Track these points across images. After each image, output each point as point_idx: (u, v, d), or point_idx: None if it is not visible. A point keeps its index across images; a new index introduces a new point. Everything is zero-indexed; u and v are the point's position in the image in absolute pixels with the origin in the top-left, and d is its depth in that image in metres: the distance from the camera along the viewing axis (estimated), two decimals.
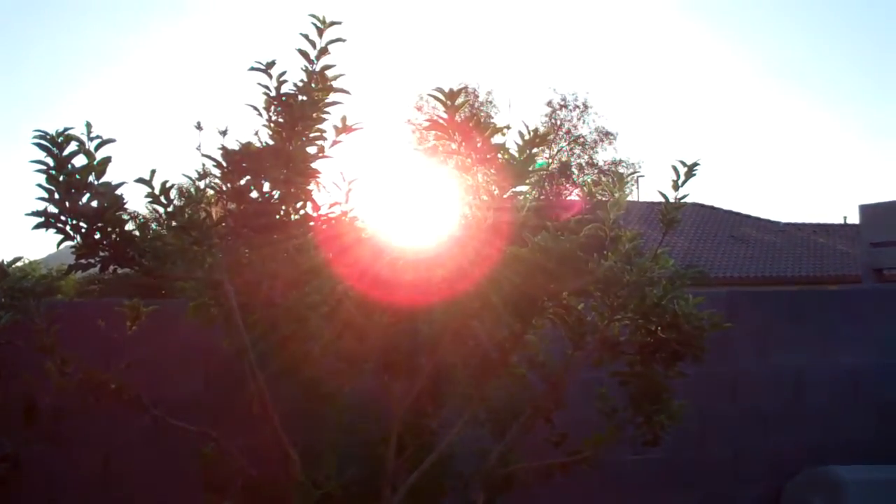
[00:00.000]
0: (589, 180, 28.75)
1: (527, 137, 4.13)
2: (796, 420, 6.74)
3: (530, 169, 4.23)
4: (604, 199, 4.64)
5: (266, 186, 4.07)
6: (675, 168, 4.54)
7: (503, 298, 4.12)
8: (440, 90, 4.06)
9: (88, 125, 3.87)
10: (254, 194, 4.06)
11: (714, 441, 6.49)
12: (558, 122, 32.19)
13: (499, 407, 4.61)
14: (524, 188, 4.36)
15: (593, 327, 4.53)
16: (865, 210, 16.05)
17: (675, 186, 4.56)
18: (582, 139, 32.16)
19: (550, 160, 31.72)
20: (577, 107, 32.31)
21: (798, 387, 6.80)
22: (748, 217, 34.45)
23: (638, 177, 32.53)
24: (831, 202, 68.58)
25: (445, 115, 4.11)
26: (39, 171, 3.85)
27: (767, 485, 6.60)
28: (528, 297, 4.23)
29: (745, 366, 6.62)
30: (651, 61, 56.45)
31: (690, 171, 4.53)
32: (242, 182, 4.06)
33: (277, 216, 4.10)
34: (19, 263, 4.56)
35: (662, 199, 4.68)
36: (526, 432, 4.59)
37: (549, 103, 32.32)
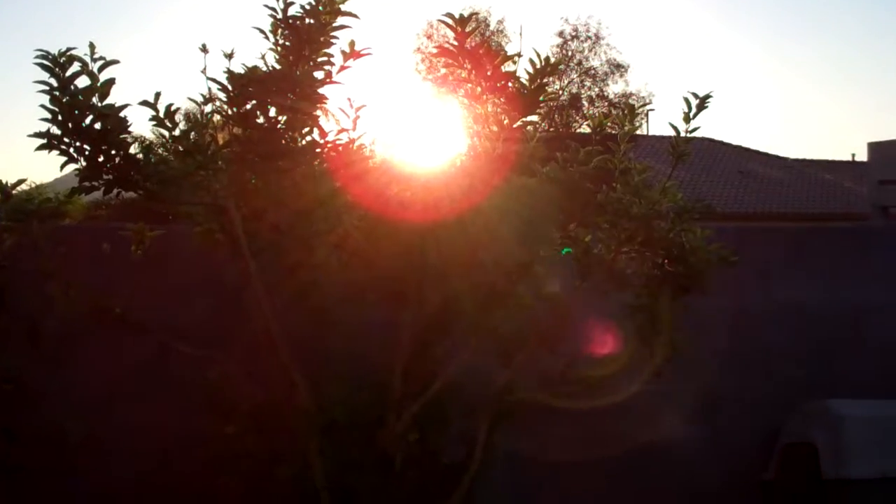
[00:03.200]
0: (599, 112, 28.53)
1: (538, 66, 4.06)
2: (799, 355, 6.73)
3: (541, 99, 4.18)
4: (613, 132, 4.58)
5: (272, 112, 4.02)
6: (686, 100, 4.48)
7: (510, 229, 4.09)
8: (450, 15, 3.99)
9: (92, 46, 3.83)
10: (260, 120, 4.01)
11: (717, 374, 6.50)
12: (569, 54, 31.82)
13: (505, 336, 4.61)
14: (534, 118, 4.32)
15: (600, 259, 4.51)
16: (874, 148, 15.95)
17: (687, 119, 4.50)
18: (593, 71, 31.83)
19: (561, 91, 31.40)
20: (589, 38, 31.93)
21: (801, 322, 6.77)
22: (757, 152, 34.23)
23: (648, 110, 32.24)
24: (840, 139, 68.04)
25: (455, 42, 4.04)
26: (42, 91, 3.81)
27: (770, 417, 6.62)
28: (535, 228, 4.20)
29: (749, 300, 6.59)
30: None
31: (703, 103, 4.47)
32: (248, 107, 4.02)
33: (283, 142, 4.06)
34: (24, 186, 4.53)
35: (673, 133, 4.62)
36: (532, 362, 4.60)
37: (561, 34, 31.94)
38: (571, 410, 4.74)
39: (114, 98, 3.84)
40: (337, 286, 4.20)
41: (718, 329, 6.45)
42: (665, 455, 6.19)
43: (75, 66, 3.77)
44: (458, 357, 4.41)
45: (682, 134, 4.55)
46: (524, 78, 4.08)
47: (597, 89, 31.78)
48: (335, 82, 4.16)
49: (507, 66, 4.12)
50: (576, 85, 31.75)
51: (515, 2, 55.88)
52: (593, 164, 4.30)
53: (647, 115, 32.03)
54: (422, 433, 4.26)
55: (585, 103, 31.72)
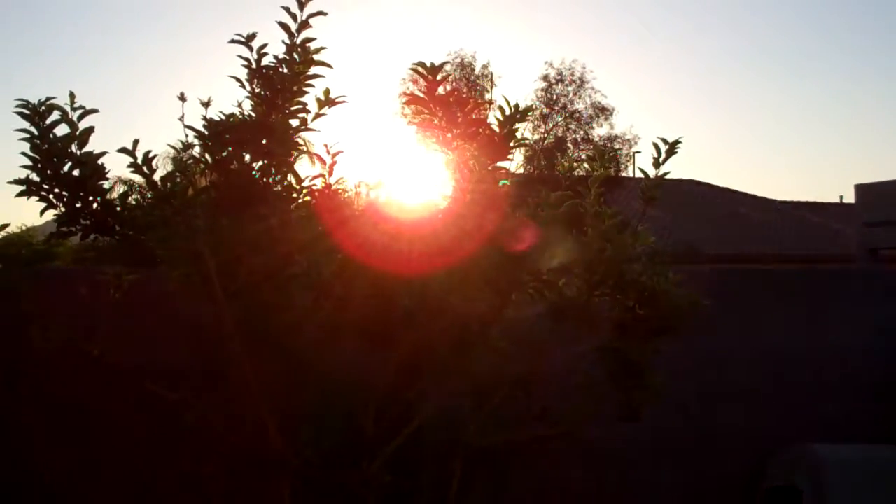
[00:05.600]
0: (568, 157, 28.66)
1: (508, 113, 4.15)
2: (780, 397, 6.78)
3: (511, 144, 4.26)
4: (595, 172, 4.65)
5: (247, 158, 4.09)
6: (656, 145, 4.57)
7: (482, 274, 4.15)
8: (421, 64, 4.08)
9: (72, 95, 3.92)
10: (235, 166, 4.08)
11: (696, 417, 6.54)
12: (554, 97, 32.02)
13: (478, 379, 4.65)
14: (506, 163, 4.40)
15: (573, 302, 4.56)
16: (861, 189, 16.08)
17: (656, 164, 4.59)
18: (578, 114, 32.00)
19: (546, 134, 31.56)
20: (574, 82, 32.12)
21: (783, 364, 6.83)
22: (744, 194, 34.42)
23: (634, 152, 32.34)
24: (827, 180, 68.32)
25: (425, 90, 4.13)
26: (23, 139, 3.89)
27: (750, 461, 6.64)
28: (506, 273, 4.27)
29: (729, 342, 6.65)
30: (646, 37, 56.08)
31: (672, 148, 4.55)
32: (224, 154, 4.09)
33: (259, 188, 4.13)
34: (13, 228, 4.61)
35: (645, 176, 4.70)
36: (505, 405, 4.64)
37: (546, 78, 32.11)
38: (545, 453, 4.78)
39: (92, 145, 3.93)
40: (311, 329, 4.25)
41: (698, 371, 6.51)
42: (644, 500, 6.23)
43: (55, 115, 3.86)
44: (431, 400, 4.45)
45: (652, 178, 4.63)
46: (494, 125, 4.16)
47: (582, 132, 31.95)
48: (310, 129, 4.24)
49: (489, 111, 4.20)
50: (561, 128, 31.91)
51: (501, 46, 56.36)
52: (564, 209, 4.37)
53: (632, 156, 32.19)
54: (395, 476, 4.29)
55: (570, 146, 31.85)
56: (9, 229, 4.56)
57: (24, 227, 5.16)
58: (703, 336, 5.21)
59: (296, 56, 4.04)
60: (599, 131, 32.16)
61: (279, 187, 4.20)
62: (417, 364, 4.47)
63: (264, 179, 4.14)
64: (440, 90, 4.17)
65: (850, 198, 39.12)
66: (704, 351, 6.42)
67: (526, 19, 55.15)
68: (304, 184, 4.30)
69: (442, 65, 4.10)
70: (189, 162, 4.25)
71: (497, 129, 4.12)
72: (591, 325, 4.62)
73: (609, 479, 6.24)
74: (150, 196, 4.08)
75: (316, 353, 4.30)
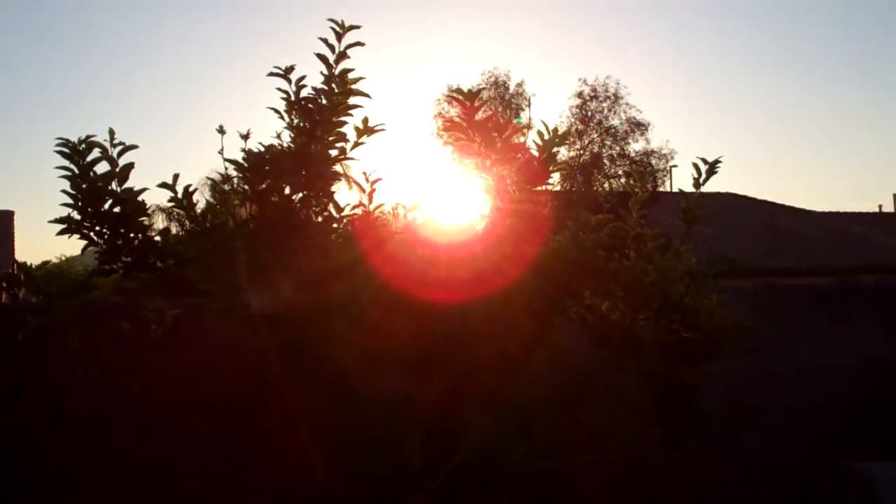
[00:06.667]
0: (609, 183, 28.49)
1: (546, 137, 4.12)
2: (825, 413, 6.68)
3: (550, 168, 4.23)
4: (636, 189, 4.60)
5: (287, 190, 4.09)
6: (696, 166, 4.51)
7: (524, 300, 4.11)
8: (458, 91, 4.07)
9: (111, 132, 3.93)
10: (275, 198, 4.08)
11: (743, 436, 6.44)
12: (589, 114, 31.92)
13: (524, 406, 4.61)
14: (545, 187, 4.37)
15: (616, 326, 4.51)
16: None
17: (696, 185, 4.53)
18: (613, 130, 31.88)
19: (583, 151, 31.43)
20: (608, 98, 32.02)
21: (826, 380, 6.73)
22: (783, 206, 34.10)
23: (671, 166, 32.17)
24: (865, 190, 67.59)
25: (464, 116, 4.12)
26: (64, 177, 3.91)
27: (798, 480, 6.54)
28: (549, 298, 4.23)
29: (772, 359, 6.57)
30: (684, 49, 55.94)
31: (712, 168, 4.50)
32: (264, 186, 4.09)
33: (299, 219, 4.13)
34: (53, 258, 4.64)
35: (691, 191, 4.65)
36: (550, 432, 4.59)
37: (580, 94, 32.03)
38: (593, 479, 4.72)
39: (132, 181, 3.93)
40: (354, 359, 4.23)
41: (741, 391, 6.42)
42: None
43: (95, 153, 3.87)
44: (476, 428, 4.41)
45: (693, 199, 4.58)
46: (533, 149, 4.13)
47: (617, 148, 31.81)
48: (349, 158, 4.24)
49: (526, 133, 4.17)
50: (596, 144, 31.79)
51: (534, 63, 56.37)
52: (605, 232, 4.33)
53: (670, 171, 32.00)
54: None
55: (607, 162, 31.71)
56: (48, 257, 4.59)
57: (62, 258, 5.18)
58: (746, 354, 5.13)
59: (334, 87, 4.04)
60: (635, 146, 32.05)
61: (319, 218, 4.19)
62: (461, 392, 4.44)
63: (304, 211, 4.13)
64: (478, 115, 4.15)
65: (889, 206, 38.71)
66: (747, 369, 6.34)
67: (558, 36, 55.15)
68: (345, 213, 4.29)
69: (479, 91, 4.10)
70: (228, 193, 4.25)
71: (536, 154, 4.09)
72: (635, 349, 4.56)
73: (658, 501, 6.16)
74: (191, 228, 4.09)
75: (358, 383, 4.28)
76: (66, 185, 3.91)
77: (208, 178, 4.07)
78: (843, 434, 6.67)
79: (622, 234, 4.44)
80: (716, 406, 4.65)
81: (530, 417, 4.57)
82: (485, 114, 4.30)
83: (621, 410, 4.66)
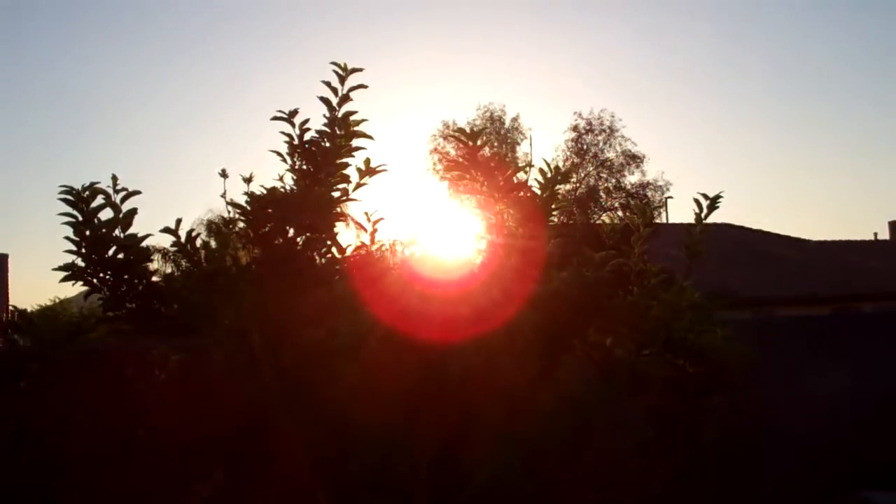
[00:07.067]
0: (612, 221, 28.59)
1: (548, 175, 4.14)
2: (831, 446, 6.66)
3: (553, 206, 4.24)
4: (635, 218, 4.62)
5: (290, 232, 4.09)
6: (697, 201, 4.53)
7: (528, 338, 4.11)
8: (461, 131, 4.09)
9: (114, 178, 3.94)
10: (279, 240, 4.08)
11: (748, 470, 6.42)
12: (584, 147, 32.08)
13: (530, 444, 4.59)
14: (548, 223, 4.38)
15: (621, 362, 4.50)
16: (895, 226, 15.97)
17: (698, 220, 4.55)
18: (609, 163, 32.04)
19: (578, 184, 31.54)
20: (603, 131, 32.20)
21: (832, 412, 6.72)
22: (778, 236, 34.22)
23: (667, 198, 32.30)
24: (860, 218, 67.75)
25: (466, 154, 4.13)
26: (66, 223, 3.91)
27: None
28: (554, 335, 4.22)
29: (777, 392, 6.55)
30: (677, 81, 56.24)
31: (713, 203, 4.52)
32: (267, 228, 4.09)
33: (303, 262, 4.13)
34: (47, 301, 4.62)
35: (691, 223, 4.67)
36: (558, 469, 4.57)
37: (575, 128, 32.21)
38: None
39: (136, 227, 3.94)
40: (359, 401, 4.21)
41: (746, 423, 6.40)
42: None
43: (98, 199, 3.87)
44: (482, 466, 4.38)
45: (695, 234, 4.59)
46: (535, 187, 4.15)
47: (613, 181, 31.94)
48: (352, 199, 4.24)
49: (520, 175, 4.20)
50: (592, 177, 31.91)
51: (529, 98, 56.59)
52: (608, 268, 4.33)
53: (665, 203, 32.11)
54: None
55: (603, 195, 31.84)
56: (42, 302, 4.58)
57: (56, 300, 5.16)
58: (747, 386, 5.13)
59: (337, 129, 4.05)
60: (631, 179, 32.18)
61: (323, 260, 4.19)
62: (467, 431, 4.42)
63: (308, 253, 4.13)
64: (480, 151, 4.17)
65: (884, 234, 38.86)
66: (748, 401, 6.32)
67: (552, 70, 55.47)
68: (347, 253, 4.29)
69: (481, 130, 4.11)
70: (232, 237, 4.25)
71: (539, 192, 4.10)
72: (640, 385, 4.56)
73: None
74: (193, 271, 4.09)
75: (365, 425, 4.26)
76: (63, 228, 3.91)
77: (209, 220, 4.09)
78: (846, 464, 6.65)
79: (625, 271, 4.44)
80: (718, 439, 4.65)
81: (537, 455, 4.56)
82: (487, 155, 4.31)
83: (627, 445, 4.66)
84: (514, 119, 32.29)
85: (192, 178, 59.51)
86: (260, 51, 58.66)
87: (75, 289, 4.13)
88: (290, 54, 57.01)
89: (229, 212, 4.17)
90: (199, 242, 4.14)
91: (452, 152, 27.56)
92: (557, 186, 4.26)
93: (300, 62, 54.24)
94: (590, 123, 32.35)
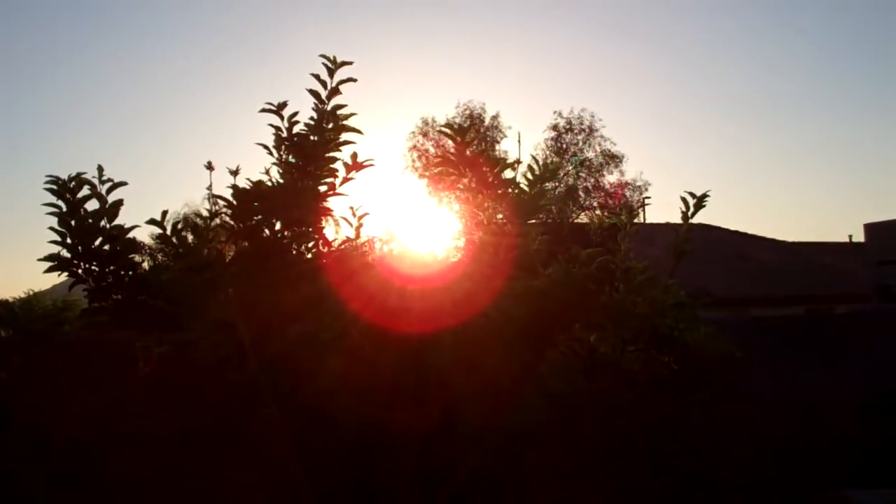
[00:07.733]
0: (597, 215, 28.74)
1: (537, 172, 4.15)
2: (809, 443, 6.71)
3: (541, 203, 4.25)
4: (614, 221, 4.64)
5: (277, 226, 4.08)
6: (684, 200, 4.55)
7: (514, 331, 4.12)
8: (450, 126, 4.09)
9: (100, 169, 3.91)
10: (265, 233, 4.07)
11: (729, 466, 6.46)
12: (564, 146, 32.20)
13: (514, 438, 4.60)
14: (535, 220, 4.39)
15: (605, 358, 4.52)
16: (871, 229, 16.11)
17: (685, 219, 4.57)
18: (588, 162, 32.18)
19: (557, 183, 31.68)
20: (583, 130, 32.31)
21: (810, 410, 6.77)
22: (754, 237, 34.41)
23: (644, 198, 32.51)
24: (836, 220, 68.23)
25: (454, 150, 4.13)
26: (51, 213, 3.88)
27: None
28: (539, 330, 4.23)
29: (757, 390, 6.60)
30: (656, 81, 56.47)
31: (700, 202, 4.55)
32: (253, 222, 4.07)
33: (290, 254, 4.11)
34: (21, 294, 4.59)
35: (668, 221, 4.70)
36: (541, 463, 4.58)
37: (555, 127, 32.30)
38: None
39: (122, 218, 3.91)
40: (343, 394, 4.21)
41: (727, 420, 6.43)
42: None
43: (84, 190, 3.84)
44: (466, 460, 4.39)
45: (682, 233, 4.62)
46: (524, 184, 4.15)
47: (592, 180, 32.09)
48: (339, 194, 4.23)
49: (508, 172, 4.20)
50: (571, 177, 32.03)
51: (508, 96, 56.68)
52: (595, 265, 4.35)
53: (643, 202, 32.29)
54: None
55: (582, 194, 31.98)
56: (14, 294, 4.54)
57: (31, 292, 5.13)
58: (728, 384, 5.16)
59: (325, 123, 4.04)
60: (610, 178, 32.32)
61: (309, 254, 4.18)
62: (451, 424, 4.43)
63: (294, 246, 4.12)
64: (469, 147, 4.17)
65: (859, 237, 39.12)
66: (729, 398, 6.35)
67: (531, 69, 55.54)
68: (333, 247, 4.28)
69: (470, 126, 4.12)
70: (215, 229, 4.23)
71: (527, 189, 4.11)
72: (625, 381, 4.57)
73: None
74: (178, 264, 4.07)
75: (349, 417, 4.26)
76: (46, 218, 3.88)
77: (185, 215, 4.05)
78: (827, 461, 6.70)
79: (611, 268, 4.46)
80: (701, 435, 4.68)
81: (521, 449, 4.57)
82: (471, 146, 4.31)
83: (610, 441, 4.67)
84: (494, 117, 32.34)
85: (174, 171, 59.20)
86: (242, 45, 58.44)
87: (50, 280, 4.10)
88: (270, 49, 56.73)
89: (216, 204, 4.15)
90: (183, 235, 4.12)
91: (432, 150, 27.75)
92: (546, 184, 4.26)
93: (280, 56, 54.08)
94: (570, 123, 32.47)
